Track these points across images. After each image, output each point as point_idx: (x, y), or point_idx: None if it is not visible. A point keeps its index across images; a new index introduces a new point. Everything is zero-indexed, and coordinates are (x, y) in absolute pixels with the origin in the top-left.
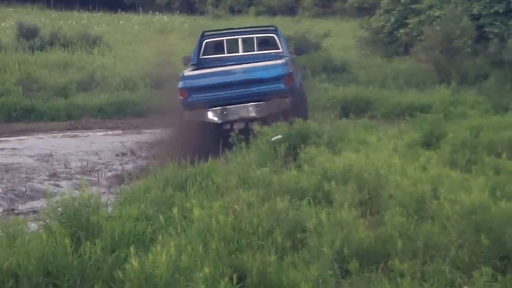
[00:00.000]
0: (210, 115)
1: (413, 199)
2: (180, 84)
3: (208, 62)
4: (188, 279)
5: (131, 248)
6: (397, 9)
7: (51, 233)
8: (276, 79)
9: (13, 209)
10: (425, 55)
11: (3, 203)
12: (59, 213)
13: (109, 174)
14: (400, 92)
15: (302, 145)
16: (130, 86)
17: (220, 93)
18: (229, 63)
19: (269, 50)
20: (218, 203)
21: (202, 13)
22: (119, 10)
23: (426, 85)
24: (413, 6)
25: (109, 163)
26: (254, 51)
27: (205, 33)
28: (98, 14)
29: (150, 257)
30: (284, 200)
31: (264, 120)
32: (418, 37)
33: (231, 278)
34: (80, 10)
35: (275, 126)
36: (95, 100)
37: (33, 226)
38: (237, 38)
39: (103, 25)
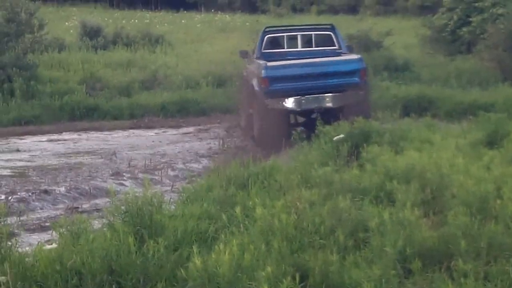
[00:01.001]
0: (290, 103)
1: (476, 198)
2: (263, 73)
3: (269, 55)
4: (250, 278)
5: (193, 247)
6: (460, 7)
7: (114, 232)
8: (352, 73)
9: (76, 208)
10: (488, 53)
11: (66, 201)
12: (122, 212)
13: (172, 173)
14: (463, 91)
15: (364, 144)
16: (192, 85)
17: (299, 83)
18: (290, 58)
19: (326, 47)
20: (280, 202)
21: (263, 11)
22: (182, 9)
23: (489, 84)
24: (476, 4)
25: (172, 161)
26: (312, 47)
27: (267, 29)
28: (161, 13)
29: (213, 256)
30: (346, 199)
31: (341, 114)
32: (481, 36)
33: (293, 277)
34: (143, 9)
35: (337, 125)
36: (157, 99)
37: (96, 224)
38: (297, 35)
39: (166, 24)
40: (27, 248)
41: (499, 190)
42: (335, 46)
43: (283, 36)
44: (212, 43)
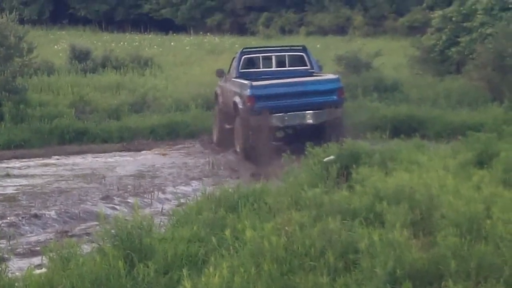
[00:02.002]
0: (273, 120)
1: (466, 219)
2: (248, 92)
3: (246, 75)
4: None
5: (184, 270)
6: (448, 27)
7: (104, 256)
8: (331, 92)
9: (66, 232)
10: (477, 73)
11: (57, 225)
12: (112, 236)
13: (162, 195)
14: (452, 111)
15: (354, 165)
16: (182, 108)
17: (282, 101)
18: (264, 77)
19: (298, 66)
20: (270, 225)
21: (252, 33)
22: (171, 31)
23: (478, 104)
24: (464, 24)
25: (162, 184)
26: (285, 67)
27: (244, 50)
28: (150, 36)
29: (203, 279)
30: (336, 220)
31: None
32: (470, 56)
33: None
34: (132, 32)
35: (326, 147)
36: (147, 121)
37: (86, 248)
38: (271, 56)
39: (155, 47)
40: (17, 273)
41: (488, 210)
42: (307, 66)
43: (259, 57)
44: (201, 65)
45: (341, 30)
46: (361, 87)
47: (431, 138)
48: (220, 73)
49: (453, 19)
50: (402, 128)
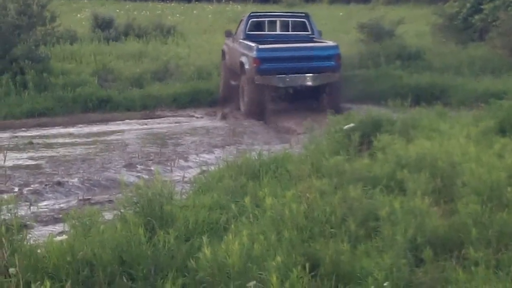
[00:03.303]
0: (276, 80)
1: (487, 186)
2: (254, 54)
3: (252, 37)
4: (260, 268)
5: (203, 237)
6: None
7: (125, 223)
8: (329, 57)
9: (89, 199)
10: (501, 41)
11: (79, 193)
12: (133, 203)
13: (185, 163)
14: (475, 79)
15: (376, 133)
16: (204, 76)
17: (285, 64)
18: (269, 40)
19: (300, 31)
20: (291, 192)
21: (275, 1)
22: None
23: (501, 72)
24: None
25: (185, 152)
26: (288, 31)
27: (251, 14)
28: (172, 4)
29: (223, 246)
30: (357, 188)
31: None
32: (493, 23)
33: (303, 267)
34: (154, 0)
35: (347, 114)
36: (169, 89)
37: (108, 216)
38: (276, 20)
39: (177, 15)
40: (39, 240)
41: (510, 178)
42: (308, 31)
43: (265, 21)
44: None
45: None
46: (384, 55)
47: (453, 106)
48: (228, 34)
49: None
50: (424, 96)
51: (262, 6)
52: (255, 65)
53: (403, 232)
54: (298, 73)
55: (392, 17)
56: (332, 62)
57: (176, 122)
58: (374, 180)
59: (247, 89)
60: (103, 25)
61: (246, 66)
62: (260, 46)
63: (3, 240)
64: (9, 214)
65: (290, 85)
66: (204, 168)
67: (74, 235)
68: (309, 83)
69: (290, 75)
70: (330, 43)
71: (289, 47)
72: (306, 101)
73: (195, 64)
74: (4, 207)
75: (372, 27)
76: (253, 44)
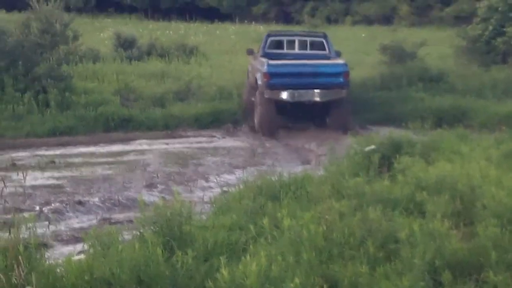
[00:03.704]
0: (284, 95)
1: (507, 209)
2: (265, 69)
3: (270, 55)
4: None
5: (221, 258)
6: (494, 17)
7: (144, 243)
8: (337, 74)
9: (109, 219)
10: None
11: (100, 212)
12: (152, 223)
13: (205, 184)
14: (498, 102)
15: (396, 155)
16: (226, 96)
17: (294, 79)
18: (287, 58)
19: (318, 51)
20: (310, 213)
21: (298, 22)
22: (216, 20)
23: None
24: (511, 14)
25: (206, 172)
26: (306, 50)
27: (270, 32)
28: (195, 24)
29: (241, 267)
30: (376, 210)
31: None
32: None
33: None
34: (177, 21)
35: (368, 136)
36: (191, 109)
37: (127, 235)
38: (294, 39)
39: (200, 35)
40: (59, 259)
41: None
42: (325, 51)
43: (283, 39)
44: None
45: (387, 19)
46: (406, 77)
47: (475, 129)
48: (250, 52)
49: (499, 9)
50: (446, 119)
51: (284, 26)
52: (265, 79)
53: (422, 255)
54: (307, 89)
55: (414, 39)
56: (340, 79)
57: (197, 142)
58: (393, 202)
59: (258, 104)
60: (125, 44)
61: (259, 82)
62: (270, 62)
63: (20, 258)
64: (28, 233)
65: (299, 100)
66: (224, 188)
67: (93, 254)
68: (317, 99)
69: (298, 90)
70: (339, 60)
71: (298, 63)
72: (314, 119)
73: (217, 84)
74: (23, 225)
75: (394, 49)
76: (264, 60)
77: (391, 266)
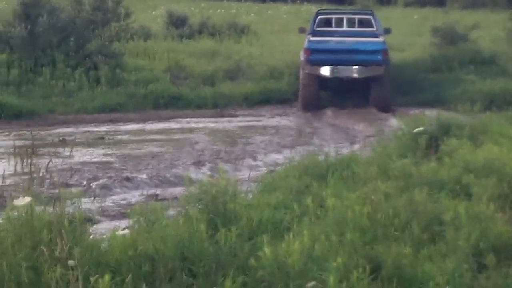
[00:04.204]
0: (324, 70)
1: None
2: (306, 45)
3: (320, 33)
4: (321, 268)
5: (264, 236)
6: None
7: (188, 219)
8: (376, 52)
9: (156, 195)
10: None
11: (148, 189)
12: (196, 200)
13: (253, 162)
14: None
15: (444, 137)
16: (276, 75)
17: (333, 55)
18: (336, 35)
19: (365, 28)
20: (355, 194)
21: (350, 3)
22: None
23: None
24: None
25: (254, 151)
26: (354, 28)
27: (319, 11)
28: (247, 4)
29: (283, 245)
30: (422, 192)
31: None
32: None
33: (364, 269)
34: (229, 0)
35: (416, 118)
36: (241, 89)
37: (173, 212)
38: (343, 17)
39: (252, 14)
40: (104, 235)
41: None
42: (373, 28)
43: (332, 17)
44: (298, 34)
45: (439, 1)
46: (457, 60)
47: None
48: (302, 30)
49: None
50: (497, 102)
51: (336, 7)
52: (306, 55)
53: (466, 237)
54: (345, 65)
55: (467, 22)
56: (378, 57)
57: (246, 121)
58: (440, 184)
59: (301, 79)
60: (177, 22)
61: (301, 58)
62: (311, 38)
63: (64, 232)
64: (73, 208)
65: (337, 75)
66: (272, 168)
67: (137, 230)
68: (355, 75)
69: (337, 66)
70: (378, 39)
71: (337, 40)
72: (354, 98)
73: (268, 64)
74: (69, 200)
75: (446, 31)
76: (307, 36)
77: (436, 248)
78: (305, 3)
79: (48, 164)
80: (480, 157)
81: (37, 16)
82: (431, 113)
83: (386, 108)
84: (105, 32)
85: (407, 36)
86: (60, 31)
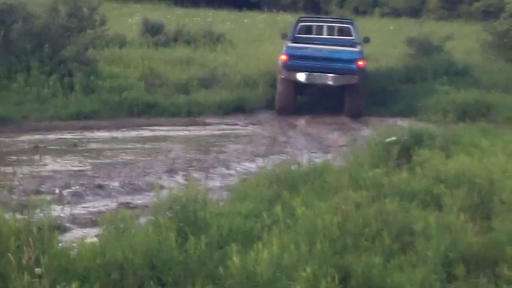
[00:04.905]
0: (300, 76)
1: None
2: (284, 51)
3: (301, 39)
4: (290, 278)
5: (233, 245)
6: None
7: (157, 227)
8: (350, 61)
9: (128, 203)
10: None
11: (119, 196)
12: (166, 208)
13: (226, 171)
14: None
15: (416, 147)
16: (250, 84)
17: (309, 62)
18: (315, 42)
19: (345, 36)
20: (326, 203)
21: (326, 13)
22: (244, 8)
23: None
24: None
25: (227, 160)
26: (334, 36)
27: (301, 18)
28: (223, 12)
29: (252, 254)
30: (393, 202)
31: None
32: None
33: (333, 278)
34: (206, 8)
35: (389, 128)
36: (215, 97)
37: (143, 220)
38: (323, 25)
39: (228, 23)
40: (73, 242)
41: None
42: (352, 37)
43: (312, 25)
44: (273, 43)
45: (415, 12)
46: (431, 70)
47: (498, 124)
48: (284, 36)
49: None
50: (470, 113)
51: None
52: (283, 60)
53: (436, 247)
54: (321, 72)
55: (442, 33)
56: (353, 66)
57: (220, 130)
58: (411, 194)
59: (278, 85)
60: (153, 30)
61: (279, 63)
62: (289, 44)
63: (31, 240)
64: (43, 215)
65: (313, 82)
66: (244, 176)
67: (106, 238)
68: (330, 83)
69: (313, 73)
70: (353, 48)
71: (314, 47)
72: (330, 105)
73: (242, 73)
74: (39, 207)
75: (421, 42)
76: (286, 42)
77: (405, 258)
78: (281, 12)
79: (17, 171)
80: (451, 167)
81: (12, 23)
82: (404, 123)
83: (358, 116)
84: (80, 39)
85: (382, 46)
86: (35, 38)
